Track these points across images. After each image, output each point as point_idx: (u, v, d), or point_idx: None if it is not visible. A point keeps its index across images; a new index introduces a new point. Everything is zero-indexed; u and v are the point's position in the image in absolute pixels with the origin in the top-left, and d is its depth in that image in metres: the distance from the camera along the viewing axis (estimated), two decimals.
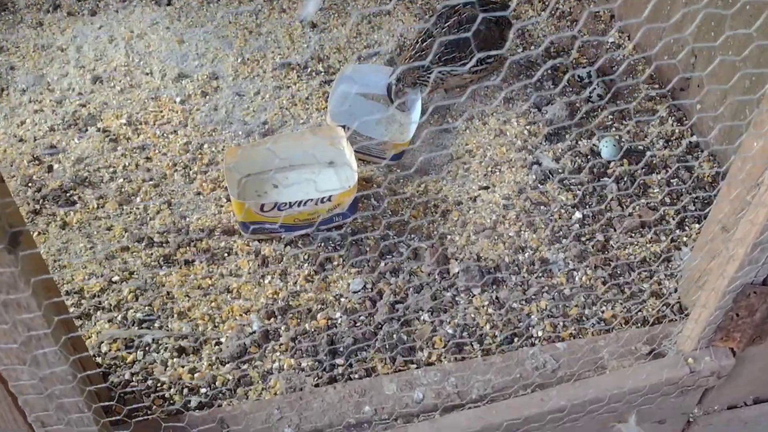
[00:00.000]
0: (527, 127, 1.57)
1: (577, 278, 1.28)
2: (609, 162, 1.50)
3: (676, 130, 1.58)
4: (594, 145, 1.53)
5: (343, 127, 1.43)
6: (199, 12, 1.87)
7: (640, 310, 1.21)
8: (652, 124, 1.59)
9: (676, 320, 1.15)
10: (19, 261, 0.56)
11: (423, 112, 1.53)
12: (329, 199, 1.29)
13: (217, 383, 1.09)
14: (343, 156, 1.42)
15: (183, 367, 1.13)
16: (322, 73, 1.72)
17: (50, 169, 1.46)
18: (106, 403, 0.94)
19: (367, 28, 1.85)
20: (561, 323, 1.19)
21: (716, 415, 1.11)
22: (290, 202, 1.28)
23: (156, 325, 1.19)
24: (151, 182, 1.44)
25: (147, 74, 1.69)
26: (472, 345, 1.16)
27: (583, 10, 1.90)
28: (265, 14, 1.87)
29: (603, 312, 1.22)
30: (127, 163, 1.48)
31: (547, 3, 1.94)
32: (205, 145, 1.53)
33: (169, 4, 1.88)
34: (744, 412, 1.11)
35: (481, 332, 1.19)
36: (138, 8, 1.87)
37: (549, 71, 1.71)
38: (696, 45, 1.49)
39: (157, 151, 1.51)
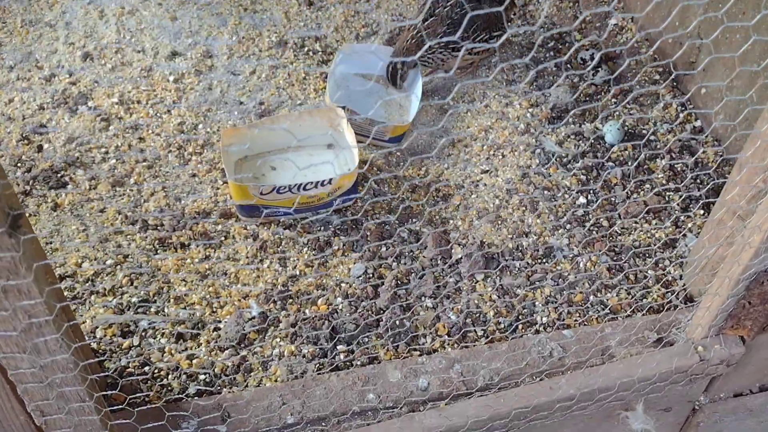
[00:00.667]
0: (530, 110, 1.54)
1: (581, 264, 1.26)
2: (613, 146, 1.48)
3: (681, 115, 1.56)
4: (597, 128, 1.51)
5: (343, 108, 1.40)
6: None
7: (644, 297, 1.19)
8: (656, 108, 1.57)
9: (682, 307, 1.14)
10: (21, 245, 0.53)
11: (423, 94, 1.50)
12: (329, 182, 1.26)
13: (216, 370, 1.07)
14: (343, 138, 1.39)
15: (181, 353, 1.10)
16: (320, 53, 1.68)
17: (40, 149, 1.42)
18: (109, 392, 0.91)
19: (365, 7, 1.81)
20: (566, 310, 1.17)
21: (722, 403, 1.10)
22: (290, 186, 1.24)
23: (152, 310, 1.15)
24: (144, 163, 1.40)
25: (139, 52, 1.64)
26: (476, 332, 1.14)
27: None
28: None
29: (608, 299, 1.20)
30: (119, 144, 1.43)
31: None
32: (200, 126, 1.49)
33: None
34: (750, 400, 1.11)
35: (485, 319, 1.17)
36: None
37: (552, 53, 1.68)
38: (702, 28, 1.47)
39: (150, 131, 1.46)
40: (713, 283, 0.93)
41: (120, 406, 0.89)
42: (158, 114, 1.50)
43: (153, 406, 0.89)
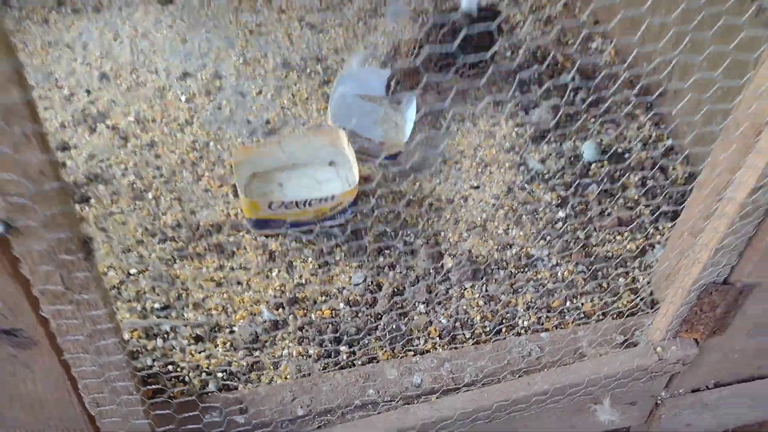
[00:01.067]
0: (515, 129, 1.68)
1: (559, 273, 1.40)
2: (590, 163, 1.62)
3: (654, 134, 1.70)
4: (577, 146, 1.65)
5: (343, 128, 1.53)
6: (200, 11, 1.94)
7: (615, 302, 1.33)
8: (632, 127, 1.71)
9: (648, 312, 1.28)
10: (93, 266, 0.66)
11: (417, 114, 1.63)
12: (332, 198, 1.39)
13: (232, 368, 1.20)
14: (344, 156, 1.52)
15: (200, 353, 1.22)
16: (321, 74, 1.81)
17: (63, 165, 1.54)
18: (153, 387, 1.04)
19: (363, 30, 1.94)
20: (545, 315, 1.31)
21: (681, 398, 1.24)
22: (296, 201, 1.37)
23: (173, 314, 1.28)
24: (161, 179, 1.52)
25: (152, 72, 1.76)
26: (464, 334, 1.28)
27: (568, 15, 2.01)
28: (264, 15, 1.95)
29: (582, 304, 1.34)
30: (137, 160, 1.56)
31: (534, 7, 2.04)
32: (211, 143, 1.61)
33: (170, 2, 1.95)
34: (705, 395, 1.25)
35: (472, 323, 1.30)
36: (141, 6, 1.93)
37: (536, 75, 1.81)
38: (673, 54, 1.60)
39: (165, 149, 1.59)
40: (669, 291, 1.07)
41: (153, 400, 1.02)
42: (172, 132, 1.63)
43: (185, 399, 1.02)
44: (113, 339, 0.73)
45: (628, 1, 1.73)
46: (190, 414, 0.97)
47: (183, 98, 1.70)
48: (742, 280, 1.00)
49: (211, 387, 1.16)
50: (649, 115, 1.73)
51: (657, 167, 1.61)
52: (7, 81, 0.51)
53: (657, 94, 1.72)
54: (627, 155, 1.64)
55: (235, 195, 1.49)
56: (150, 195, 1.49)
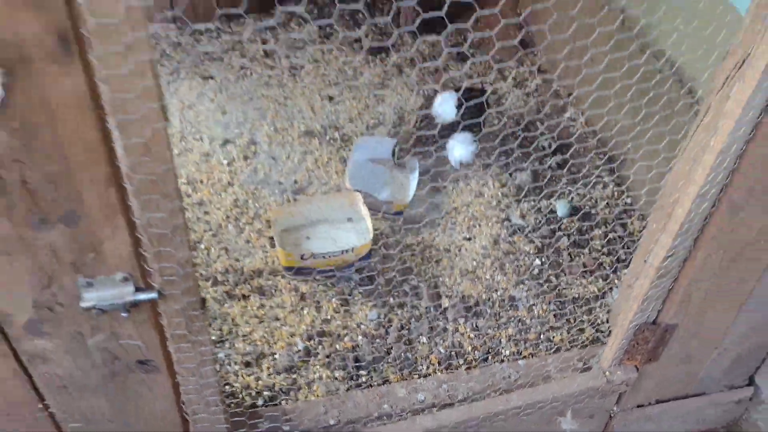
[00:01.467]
0: (501, 189, 2.02)
1: (535, 311, 1.73)
2: (562, 219, 1.96)
3: (616, 193, 2.04)
4: (551, 204, 1.99)
5: (358, 190, 1.87)
6: (236, 85, 2.29)
7: (579, 336, 1.66)
8: (597, 187, 2.05)
9: (604, 344, 1.61)
10: (206, 317, 0.99)
11: (420, 176, 1.98)
12: (351, 250, 1.73)
13: (275, 388, 1.52)
14: (360, 214, 1.86)
15: (249, 376, 1.55)
16: (338, 140, 2.15)
17: None
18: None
19: (373, 101, 2.29)
20: (523, 346, 1.64)
21: (630, 412, 1.56)
22: (323, 253, 1.71)
23: (226, 345, 1.61)
24: (210, 232, 1.86)
25: (198, 140, 2.11)
26: (458, 362, 1.61)
27: (546, 89, 2.37)
28: (290, 88, 2.31)
29: (553, 337, 1.67)
30: (189, 216, 1.89)
31: (517, 79, 2.40)
32: (250, 201, 1.95)
33: (211, 78, 2.30)
34: (649, 410, 1.57)
35: (465, 352, 1.63)
36: (186, 81, 2.29)
37: (518, 141, 2.16)
38: (632, 121, 1.95)
39: (212, 206, 1.93)
40: (614, 329, 1.40)
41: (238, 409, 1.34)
42: (217, 192, 1.97)
43: (247, 410, 1.35)
44: (211, 366, 1.06)
45: (596, 80, 2.09)
46: (255, 421, 1.29)
47: (225, 162, 2.05)
48: (666, 322, 1.34)
49: (260, 402, 1.49)
50: (612, 177, 2.07)
51: (617, 223, 1.95)
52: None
53: (619, 160, 2.07)
54: (593, 212, 1.98)
55: (272, 245, 1.83)
56: (202, 246, 1.82)
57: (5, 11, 0.63)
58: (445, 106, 2.05)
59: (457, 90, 2.07)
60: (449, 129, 2.05)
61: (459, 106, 2.02)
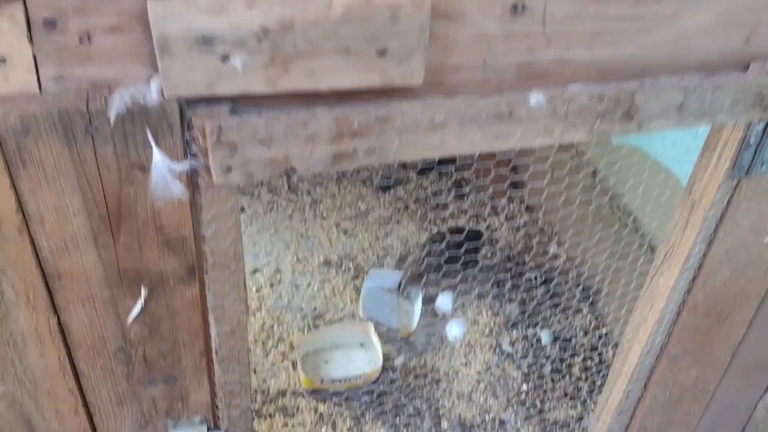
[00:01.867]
0: (493, 318, 2.32)
1: None
2: (546, 346, 2.24)
3: (593, 323, 2.34)
4: (536, 333, 2.28)
5: (370, 318, 2.17)
6: (264, 218, 2.64)
7: None
8: (577, 317, 2.35)
9: None
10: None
11: (423, 305, 2.28)
12: (363, 376, 2.01)
13: None
14: (371, 341, 2.15)
15: None
16: (352, 270, 2.47)
17: None
18: None
19: (382, 234, 2.64)
20: None
21: None
22: (339, 378, 1.99)
23: None
24: None
25: None
26: None
27: (533, 224, 2.71)
28: (310, 221, 2.66)
29: None
30: None
31: (507, 215, 2.75)
32: (275, 325, 2.25)
33: (243, 211, 2.65)
34: None
35: None
36: None
37: (510, 272, 2.48)
38: (608, 261, 2.28)
39: None
40: None
41: None
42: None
43: None
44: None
45: (577, 217, 2.43)
46: None
47: (254, 289, 2.36)
48: None
49: None
50: (589, 308, 2.38)
51: (594, 351, 2.24)
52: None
53: (595, 291, 2.38)
54: (573, 340, 2.27)
55: (294, 367, 2.11)
56: None
57: (157, 254, 0.96)
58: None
59: (459, 231, 2.41)
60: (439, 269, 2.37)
61: (459, 246, 2.35)
